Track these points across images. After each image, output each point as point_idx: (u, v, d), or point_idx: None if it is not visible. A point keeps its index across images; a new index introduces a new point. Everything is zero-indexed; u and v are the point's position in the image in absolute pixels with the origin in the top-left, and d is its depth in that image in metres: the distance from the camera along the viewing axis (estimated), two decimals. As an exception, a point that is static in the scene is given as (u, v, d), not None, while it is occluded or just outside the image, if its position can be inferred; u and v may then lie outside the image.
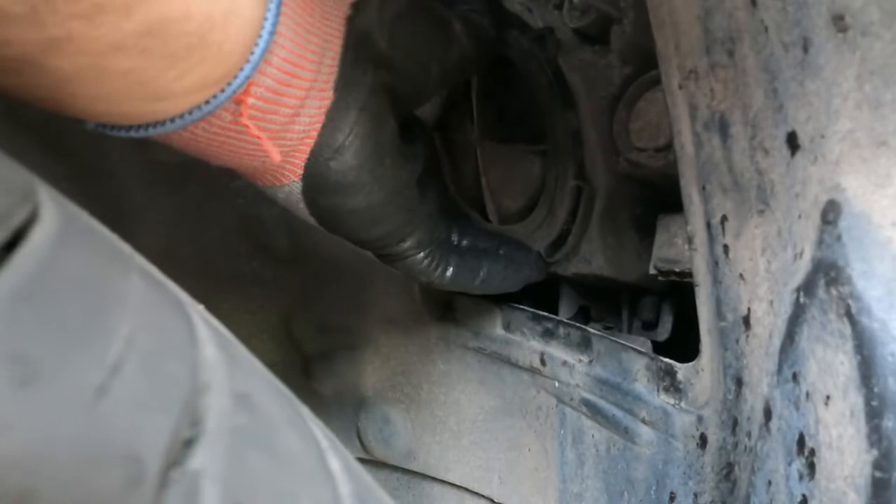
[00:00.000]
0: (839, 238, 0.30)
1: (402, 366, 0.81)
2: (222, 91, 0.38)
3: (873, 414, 0.29)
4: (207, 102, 0.38)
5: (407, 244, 0.51)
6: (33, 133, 0.68)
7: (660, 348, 0.59)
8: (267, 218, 0.84)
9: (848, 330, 0.30)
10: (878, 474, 0.29)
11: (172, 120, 0.38)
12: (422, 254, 0.53)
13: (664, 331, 0.62)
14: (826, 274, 0.31)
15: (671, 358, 0.51)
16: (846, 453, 0.32)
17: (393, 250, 0.52)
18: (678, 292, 0.60)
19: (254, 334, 0.88)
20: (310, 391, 0.88)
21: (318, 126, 0.43)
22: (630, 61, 0.53)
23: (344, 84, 0.43)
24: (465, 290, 0.60)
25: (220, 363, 0.19)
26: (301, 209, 0.47)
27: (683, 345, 0.56)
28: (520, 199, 0.64)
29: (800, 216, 0.34)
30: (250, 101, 0.39)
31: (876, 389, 0.29)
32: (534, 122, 0.60)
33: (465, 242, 0.57)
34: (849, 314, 0.30)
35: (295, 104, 0.42)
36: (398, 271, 0.55)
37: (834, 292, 0.30)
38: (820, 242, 0.31)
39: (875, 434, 0.29)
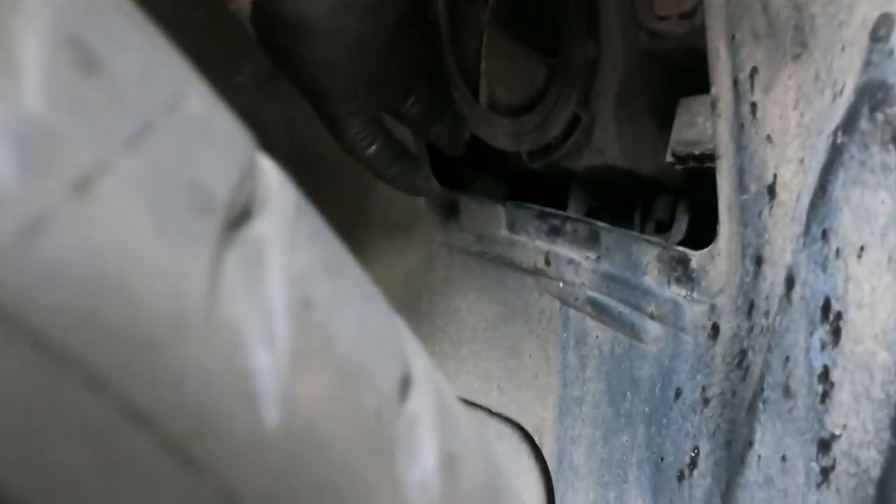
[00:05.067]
0: (891, 53, 0.26)
1: (403, 274, 0.78)
2: None
3: (916, 251, 0.26)
4: None
5: (346, 108, 0.48)
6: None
7: (673, 251, 0.56)
8: (267, 117, 0.81)
9: (893, 159, 0.26)
10: (916, 320, 0.26)
11: None
12: (356, 121, 0.51)
13: (678, 232, 0.58)
14: (872, 98, 0.27)
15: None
16: (878, 308, 0.29)
17: (332, 110, 0.49)
18: (694, 189, 0.56)
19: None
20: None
21: None
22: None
23: None
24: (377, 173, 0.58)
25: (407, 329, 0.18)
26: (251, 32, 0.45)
27: (698, 248, 0.52)
28: (514, 97, 0.60)
29: (843, 47, 0.30)
30: None
31: (922, 222, 0.25)
32: (550, 32, 0.56)
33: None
34: (895, 139, 0.26)
35: None
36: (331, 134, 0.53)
37: (880, 117, 0.27)
38: (867, 65, 0.28)
39: (916, 275, 0.26)
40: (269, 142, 0.72)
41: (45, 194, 0.09)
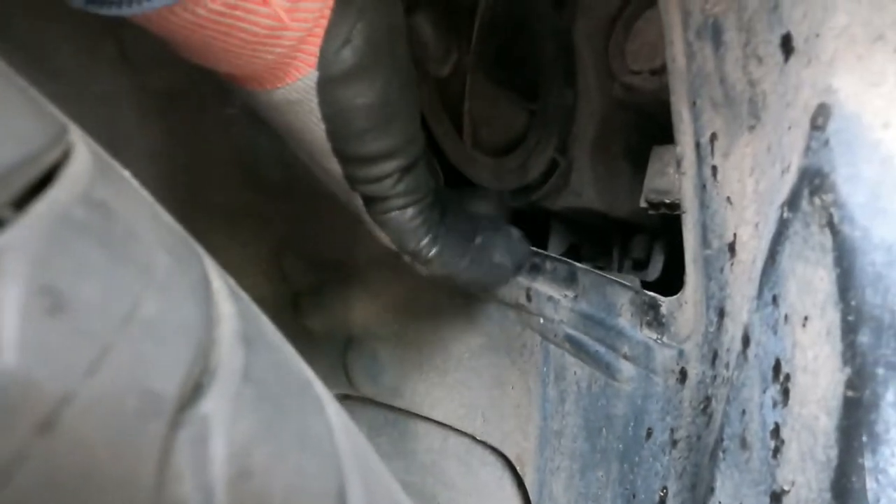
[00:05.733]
0: (826, 143, 0.28)
1: (391, 303, 0.80)
2: None
3: (849, 329, 0.27)
4: None
5: (397, 162, 0.49)
6: (21, 52, 0.66)
7: (650, 289, 0.57)
8: (261, 148, 0.82)
9: (829, 242, 0.28)
10: (849, 393, 0.28)
11: None
12: (411, 209, 0.50)
13: (654, 270, 0.60)
14: (811, 182, 0.29)
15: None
16: (820, 375, 0.30)
17: (384, 180, 0.49)
18: (669, 231, 0.58)
19: (244, 268, 0.87)
20: (298, 327, 0.87)
21: (331, 2, 0.40)
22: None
23: None
24: (450, 276, 0.56)
25: (231, 312, 0.19)
26: (312, 108, 0.44)
27: (673, 287, 0.54)
28: (498, 137, 0.62)
29: (790, 126, 0.32)
30: None
31: (853, 303, 0.27)
32: (530, 79, 0.57)
33: (448, 218, 0.54)
34: (831, 224, 0.28)
35: None
36: (384, 237, 0.53)
37: (817, 201, 0.29)
38: (807, 150, 0.29)
39: (849, 351, 0.28)
40: (262, 173, 0.73)
41: (18, 438, 0.11)
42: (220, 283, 0.20)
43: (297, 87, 0.43)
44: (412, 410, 0.80)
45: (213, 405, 0.14)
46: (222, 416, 0.14)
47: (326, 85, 0.43)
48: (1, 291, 0.11)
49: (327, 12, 0.40)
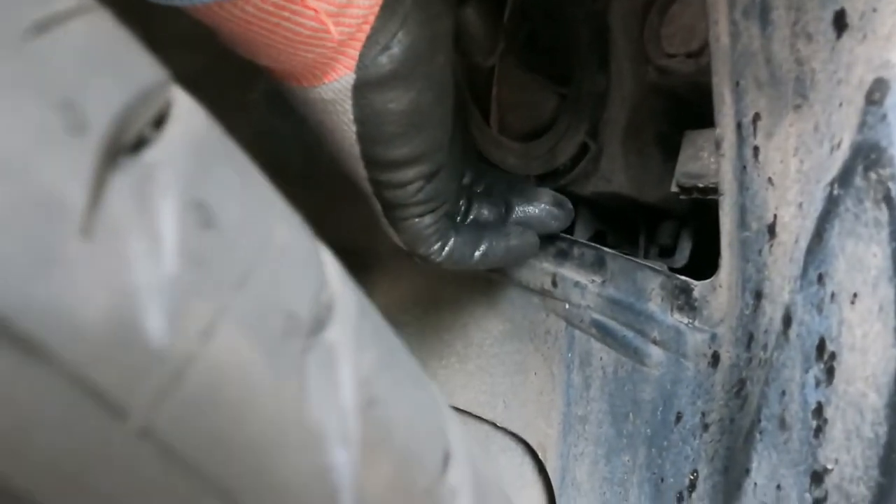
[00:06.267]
0: (884, 117, 0.28)
1: (411, 288, 0.80)
2: None
3: (904, 304, 0.27)
4: None
5: (421, 168, 0.49)
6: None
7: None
8: (281, 134, 0.82)
9: (885, 216, 0.28)
10: (903, 369, 0.28)
11: None
12: (428, 217, 0.52)
13: (682, 258, 0.60)
14: (866, 158, 0.29)
15: (687, 284, 0.50)
16: (869, 352, 0.30)
17: (407, 187, 0.50)
18: (698, 217, 0.58)
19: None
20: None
21: (377, 9, 0.41)
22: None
23: None
24: (461, 267, 0.57)
25: (329, 256, 0.20)
26: (347, 109, 0.45)
27: (700, 275, 0.54)
28: (525, 124, 0.62)
29: (841, 104, 0.32)
30: None
31: (910, 277, 0.27)
32: (562, 63, 0.57)
33: (472, 215, 0.55)
34: (887, 198, 0.28)
35: None
36: (396, 238, 0.54)
37: (873, 176, 0.28)
38: (862, 126, 0.29)
39: (904, 326, 0.28)
40: (283, 161, 0.73)
41: (188, 343, 0.11)
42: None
43: (333, 87, 0.43)
44: (431, 397, 0.80)
45: (337, 335, 0.15)
46: (347, 346, 0.15)
47: (362, 88, 0.43)
48: (160, 202, 0.12)
49: (371, 18, 0.41)
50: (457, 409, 0.78)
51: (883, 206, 0.28)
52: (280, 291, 0.14)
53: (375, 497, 0.14)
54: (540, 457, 0.67)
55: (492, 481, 0.19)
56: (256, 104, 0.80)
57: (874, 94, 0.29)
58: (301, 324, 0.14)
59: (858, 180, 0.30)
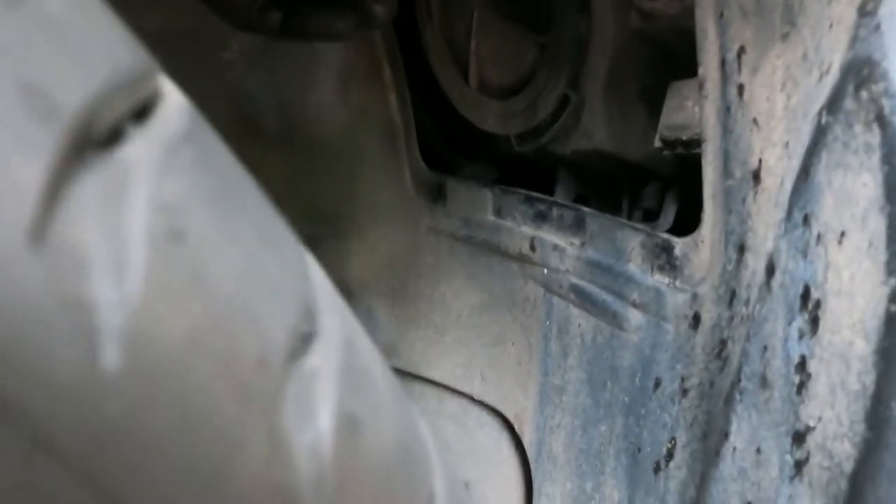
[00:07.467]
0: (877, 27, 0.25)
1: (388, 257, 0.77)
2: None
3: (895, 235, 0.25)
4: None
5: None
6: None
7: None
8: (257, 95, 0.79)
9: (876, 139, 0.25)
10: (893, 308, 0.25)
11: None
12: None
13: (666, 221, 0.57)
14: (857, 75, 0.26)
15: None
16: (857, 295, 0.28)
17: None
18: (683, 179, 0.55)
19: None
20: (293, 282, 0.84)
21: None
22: None
23: None
24: None
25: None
26: None
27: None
28: (504, 78, 0.59)
29: (831, 24, 0.29)
30: None
31: (903, 204, 0.24)
32: (541, 8, 0.54)
33: None
34: (879, 118, 0.25)
35: None
36: None
37: (864, 95, 0.26)
38: (854, 41, 0.26)
39: (895, 260, 0.25)
40: (259, 121, 0.70)
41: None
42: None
43: None
44: (408, 370, 0.77)
45: (140, 153, 0.12)
46: (148, 167, 0.12)
47: None
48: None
49: None
50: (434, 383, 0.75)
51: (875, 126, 0.25)
52: (24, 62, 0.11)
53: (162, 350, 0.11)
54: (516, 430, 0.65)
55: (378, 383, 0.16)
56: (233, 63, 0.77)
57: (868, 5, 0.26)
58: (59, 112, 0.11)
59: (849, 102, 0.27)
